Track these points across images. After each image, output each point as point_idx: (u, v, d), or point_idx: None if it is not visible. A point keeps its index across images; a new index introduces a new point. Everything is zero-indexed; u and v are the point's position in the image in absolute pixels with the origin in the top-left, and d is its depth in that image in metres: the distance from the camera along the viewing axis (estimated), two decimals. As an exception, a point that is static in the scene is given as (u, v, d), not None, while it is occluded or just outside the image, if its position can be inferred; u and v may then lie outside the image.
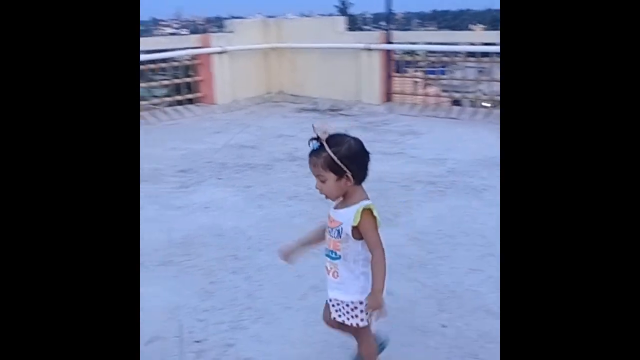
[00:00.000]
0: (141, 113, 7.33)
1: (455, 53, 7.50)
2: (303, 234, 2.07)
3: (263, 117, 7.56)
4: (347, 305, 1.87)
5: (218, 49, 7.83)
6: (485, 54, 7.08)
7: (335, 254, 1.84)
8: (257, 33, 8.51)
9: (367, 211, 1.78)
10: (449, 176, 4.65)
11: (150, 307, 2.72)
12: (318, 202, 4.29)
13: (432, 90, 10.43)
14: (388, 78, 7.81)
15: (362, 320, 1.87)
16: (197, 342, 2.40)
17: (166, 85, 7.93)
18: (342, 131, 1.84)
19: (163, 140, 6.25)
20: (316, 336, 2.41)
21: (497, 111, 7.02)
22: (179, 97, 7.85)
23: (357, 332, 1.97)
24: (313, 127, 1.76)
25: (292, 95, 8.69)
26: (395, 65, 7.98)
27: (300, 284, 2.83)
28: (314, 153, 1.76)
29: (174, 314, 2.63)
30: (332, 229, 1.84)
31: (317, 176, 1.78)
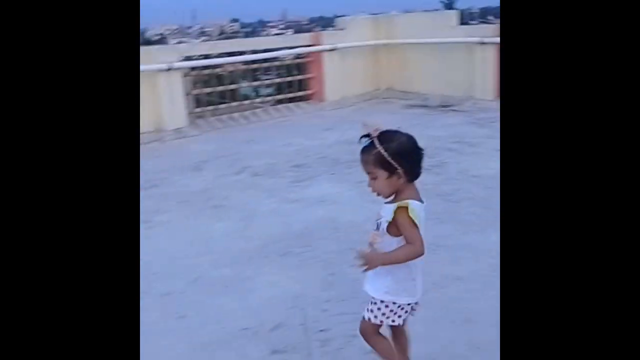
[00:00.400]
0: (251, 111, 7.60)
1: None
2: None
3: (372, 114, 7.55)
4: (373, 298, 1.89)
5: (329, 47, 7.93)
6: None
7: (372, 246, 1.84)
8: (367, 30, 8.52)
9: (402, 209, 1.74)
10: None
11: (273, 295, 2.81)
12: (434, 199, 4.25)
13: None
14: (502, 72, 7.52)
15: (375, 317, 1.88)
16: (322, 331, 2.44)
17: (272, 84, 8.15)
18: (396, 128, 1.83)
19: (276, 136, 6.43)
20: (441, 333, 2.37)
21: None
22: (289, 95, 8.04)
23: (365, 329, 1.95)
24: (363, 124, 1.75)
25: (401, 91, 8.62)
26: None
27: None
28: (364, 150, 1.76)
29: (296, 303, 2.69)
30: (376, 221, 1.85)
31: (368, 173, 1.77)
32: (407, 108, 7.84)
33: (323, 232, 3.58)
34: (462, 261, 3.05)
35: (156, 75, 6.55)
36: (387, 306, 1.87)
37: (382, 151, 1.72)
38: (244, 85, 7.77)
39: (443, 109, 7.59)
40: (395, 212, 1.76)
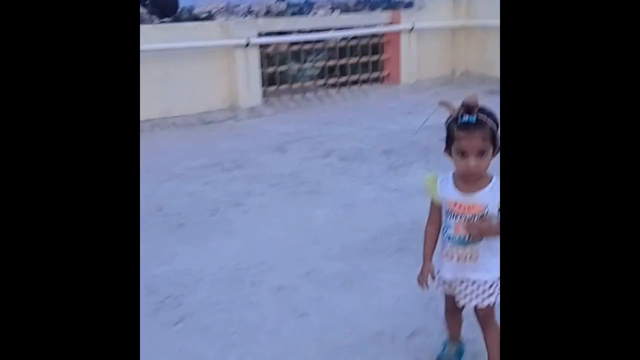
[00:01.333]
0: (323, 91, 7.31)
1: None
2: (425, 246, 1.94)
3: (453, 98, 7.14)
4: (486, 283, 1.81)
5: (407, 26, 7.56)
6: None
7: (470, 238, 1.77)
8: (446, 10, 8.09)
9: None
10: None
11: (400, 296, 2.56)
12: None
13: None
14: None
15: (496, 297, 1.81)
16: (470, 340, 2.17)
17: (346, 64, 7.82)
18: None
19: (355, 119, 6.15)
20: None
21: None
22: (364, 76, 7.72)
23: (487, 315, 1.87)
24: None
25: (478, 76, 8.18)
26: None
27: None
28: (473, 126, 1.64)
29: (430, 307, 2.43)
30: (466, 215, 1.75)
31: (478, 152, 1.65)
32: (489, 94, 7.39)
33: (435, 226, 3.29)
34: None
35: (233, 50, 6.32)
36: (498, 285, 1.80)
37: (495, 127, 1.65)
38: (317, 64, 7.47)
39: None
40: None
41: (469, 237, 1.78)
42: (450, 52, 8.30)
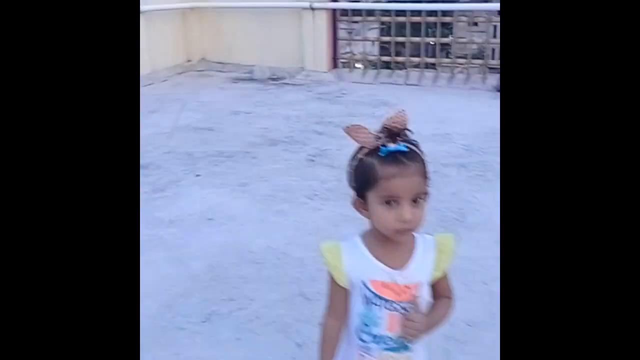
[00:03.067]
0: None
1: (414, 12, 6.80)
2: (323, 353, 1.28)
3: (196, 89, 6.39)
4: None
5: (133, 9, 6.46)
6: (432, 13, 6.43)
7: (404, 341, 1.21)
8: (173, -11, 7.20)
9: (449, 240, 1.23)
10: (472, 156, 4.03)
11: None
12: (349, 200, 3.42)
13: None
14: (335, 41, 6.99)
15: None
16: None
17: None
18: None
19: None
20: None
21: (461, 75, 6.53)
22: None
23: None
24: (386, 123, 1.12)
25: (217, 62, 7.55)
26: (342, 26, 7.15)
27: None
28: (405, 158, 1.09)
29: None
30: (399, 303, 1.18)
31: (413, 196, 1.11)
32: (233, 82, 6.85)
33: (235, 267, 2.57)
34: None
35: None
36: None
37: (425, 159, 1.14)
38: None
39: (274, 82, 6.80)
40: (447, 252, 1.21)
41: (396, 340, 1.21)
42: (183, 37, 7.47)
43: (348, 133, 1.14)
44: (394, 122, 1.10)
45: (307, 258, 2.62)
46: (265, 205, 3.24)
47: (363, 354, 1.23)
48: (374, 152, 1.11)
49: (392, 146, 1.09)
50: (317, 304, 2.14)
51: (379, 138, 1.11)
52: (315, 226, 2.96)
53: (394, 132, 1.10)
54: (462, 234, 2.84)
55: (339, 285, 1.21)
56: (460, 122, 4.86)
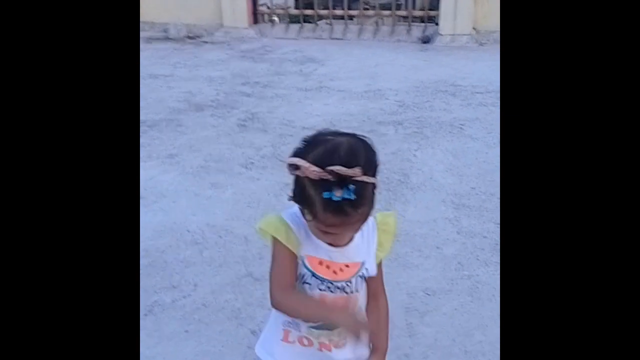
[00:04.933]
0: None
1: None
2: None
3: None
4: None
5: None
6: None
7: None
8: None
9: (392, 218, 1.18)
10: (406, 112, 3.95)
11: None
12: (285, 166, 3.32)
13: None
14: (254, -6, 6.65)
15: None
16: None
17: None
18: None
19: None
20: None
21: (385, 28, 6.41)
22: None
23: None
24: (333, 168, 0.95)
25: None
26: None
27: None
28: (351, 206, 0.97)
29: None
30: (342, 281, 1.13)
31: (350, 231, 1.07)
32: (147, 42, 6.39)
33: (179, 248, 2.38)
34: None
35: None
36: None
37: (375, 180, 1.00)
38: None
39: (192, 41, 6.42)
40: (390, 231, 1.16)
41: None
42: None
43: (290, 167, 1.00)
44: (345, 173, 0.94)
45: (251, 234, 2.45)
46: (199, 178, 3.03)
47: (289, 329, 1.16)
48: (317, 186, 0.96)
49: (337, 195, 0.95)
50: (267, 285, 2.01)
51: (325, 173, 0.95)
52: (256, 197, 2.80)
53: (343, 178, 0.95)
54: (407, 195, 2.77)
55: (288, 255, 1.09)
56: (390, 77, 4.77)
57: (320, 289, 1.11)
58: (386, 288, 1.23)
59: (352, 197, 0.95)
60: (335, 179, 0.95)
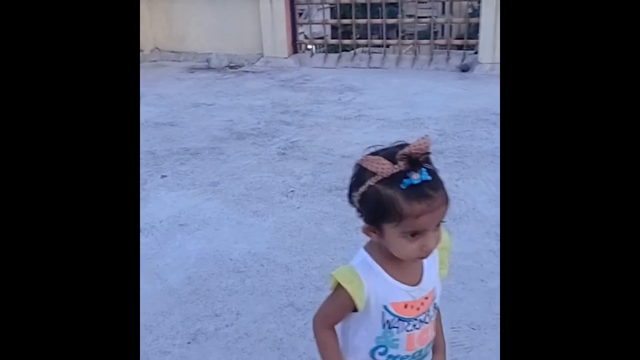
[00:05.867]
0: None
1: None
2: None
3: (152, 81, 6.07)
4: None
5: None
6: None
7: (425, 350, 1.19)
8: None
9: (445, 234, 1.14)
10: (447, 141, 3.93)
11: None
12: (328, 196, 3.33)
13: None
14: (294, 25, 6.77)
15: None
16: None
17: None
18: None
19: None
20: None
21: (423, 56, 6.44)
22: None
23: None
24: (405, 151, 0.97)
25: (171, 52, 7.23)
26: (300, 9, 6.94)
27: None
28: (432, 188, 0.97)
29: None
30: (424, 314, 1.14)
31: (438, 223, 1.04)
32: (189, 72, 6.57)
33: (221, 277, 2.40)
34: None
35: None
36: None
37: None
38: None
39: (234, 71, 6.55)
40: (446, 247, 1.17)
41: (419, 352, 1.17)
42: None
43: (364, 166, 1.00)
44: (416, 149, 0.97)
45: (292, 263, 2.47)
46: (241, 206, 3.06)
47: None
48: (392, 182, 0.97)
49: (415, 178, 0.96)
50: (309, 315, 2.00)
51: (397, 165, 0.97)
52: (296, 226, 2.81)
53: (415, 159, 0.96)
54: (450, 226, 2.72)
55: (348, 305, 1.10)
56: (429, 106, 4.76)
57: (408, 330, 1.12)
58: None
59: (429, 177, 0.96)
60: (409, 165, 0.96)
